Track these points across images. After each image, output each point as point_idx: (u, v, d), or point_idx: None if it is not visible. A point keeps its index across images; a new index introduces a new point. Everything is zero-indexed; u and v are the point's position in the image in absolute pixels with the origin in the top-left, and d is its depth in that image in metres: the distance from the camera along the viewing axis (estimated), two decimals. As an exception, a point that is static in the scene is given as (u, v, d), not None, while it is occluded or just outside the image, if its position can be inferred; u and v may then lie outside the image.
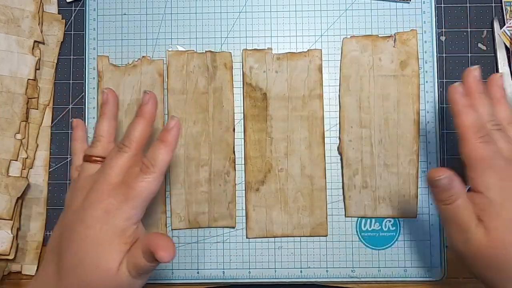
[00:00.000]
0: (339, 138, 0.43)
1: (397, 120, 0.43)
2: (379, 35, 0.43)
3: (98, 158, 0.35)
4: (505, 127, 0.33)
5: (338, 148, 0.43)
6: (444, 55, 0.44)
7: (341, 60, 0.44)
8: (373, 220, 0.43)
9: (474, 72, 0.34)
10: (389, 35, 0.43)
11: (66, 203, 0.35)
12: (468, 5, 0.45)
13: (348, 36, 0.44)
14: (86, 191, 0.33)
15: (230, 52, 0.44)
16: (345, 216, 0.43)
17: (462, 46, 0.44)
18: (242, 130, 0.44)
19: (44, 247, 0.44)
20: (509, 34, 0.44)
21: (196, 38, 0.45)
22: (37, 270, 0.43)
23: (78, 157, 0.37)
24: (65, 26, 0.45)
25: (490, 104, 0.34)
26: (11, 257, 0.42)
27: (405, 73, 0.43)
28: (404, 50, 0.43)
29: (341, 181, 0.43)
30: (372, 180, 0.43)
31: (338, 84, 0.44)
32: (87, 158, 0.35)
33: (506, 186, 0.31)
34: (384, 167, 0.43)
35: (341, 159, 0.43)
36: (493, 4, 0.45)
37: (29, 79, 0.44)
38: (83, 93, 0.45)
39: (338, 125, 0.44)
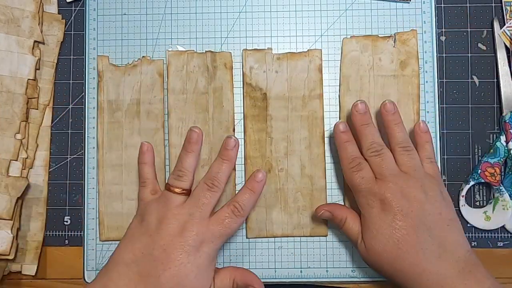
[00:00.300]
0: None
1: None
2: (379, 35, 0.43)
3: (184, 191, 0.38)
4: (393, 148, 0.39)
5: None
6: (444, 55, 0.44)
7: (341, 60, 0.44)
8: (373, 220, 0.43)
9: (357, 106, 0.39)
10: (389, 35, 0.43)
11: (146, 223, 0.37)
12: (468, 5, 0.45)
13: (348, 36, 0.44)
14: (180, 221, 0.37)
15: (230, 52, 0.44)
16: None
17: (462, 46, 0.44)
18: (242, 130, 0.44)
19: (45, 247, 0.44)
20: (509, 34, 0.44)
21: (196, 38, 0.45)
22: (37, 269, 0.43)
23: (151, 182, 0.41)
24: (65, 26, 0.45)
25: (375, 132, 0.39)
26: (11, 257, 0.42)
27: (405, 73, 0.43)
28: (404, 50, 0.43)
29: (341, 181, 0.43)
30: None
31: (338, 84, 0.44)
32: (173, 190, 0.38)
33: (371, 204, 0.37)
34: None
35: None
36: (493, 4, 0.45)
37: (29, 79, 0.44)
38: (83, 93, 0.45)
39: None
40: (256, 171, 0.40)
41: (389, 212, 0.36)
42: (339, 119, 0.43)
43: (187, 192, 0.38)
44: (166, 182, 0.39)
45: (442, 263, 0.34)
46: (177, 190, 0.38)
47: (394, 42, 0.43)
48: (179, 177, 0.39)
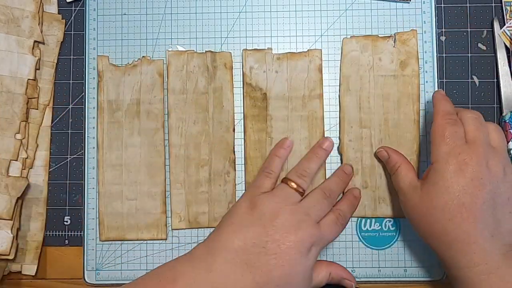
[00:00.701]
0: (339, 138, 0.43)
1: (397, 120, 0.43)
2: (379, 35, 0.43)
3: (301, 190, 0.39)
4: (488, 123, 0.38)
5: (338, 148, 0.43)
6: (444, 55, 0.44)
7: (341, 60, 0.43)
8: (373, 220, 0.43)
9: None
10: (389, 35, 0.43)
11: (259, 213, 0.37)
12: (468, 5, 0.45)
13: (348, 36, 0.44)
14: (295, 219, 0.36)
15: (230, 52, 0.44)
16: None
17: (462, 46, 0.44)
18: (242, 130, 0.44)
19: (45, 247, 0.44)
20: (509, 34, 0.44)
21: (196, 38, 0.45)
22: (37, 269, 0.43)
23: (276, 175, 0.41)
24: (65, 26, 0.45)
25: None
26: (11, 257, 0.42)
27: (405, 73, 0.43)
28: (404, 50, 0.43)
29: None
30: (372, 180, 0.43)
31: (338, 84, 0.44)
32: (293, 186, 0.39)
33: (452, 160, 0.35)
34: (384, 167, 0.42)
35: (341, 159, 0.43)
36: (493, 4, 0.45)
37: (29, 79, 0.44)
38: (83, 93, 0.45)
39: (338, 125, 0.44)
40: (347, 170, 0.42)
41: (467, 175, 0.35)
42: (339, 119, 0.43)
43: (303, 193, 0.39)
44: (285, 177, 0.40)
45: (494, 241, 0.34)
46: (298, 187, 0.38)
47: (394, 42, 0.43)
48: (302, 175, 0.39)
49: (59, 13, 0.45)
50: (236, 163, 0.43)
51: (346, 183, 0.42)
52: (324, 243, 0.38)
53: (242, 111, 0.44)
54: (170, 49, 0.44)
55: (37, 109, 0.44)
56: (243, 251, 0.35)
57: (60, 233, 0.44)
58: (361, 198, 0.42)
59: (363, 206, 0.43)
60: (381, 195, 0.43)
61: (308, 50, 0.44)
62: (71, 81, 0.45)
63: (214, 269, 0.35)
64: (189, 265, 0.36)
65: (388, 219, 0.43)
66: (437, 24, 0.44)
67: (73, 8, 0.46)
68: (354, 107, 0.43)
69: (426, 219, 0.36)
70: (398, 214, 0.43)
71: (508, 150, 0.42)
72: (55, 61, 0.45)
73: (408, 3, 0.44)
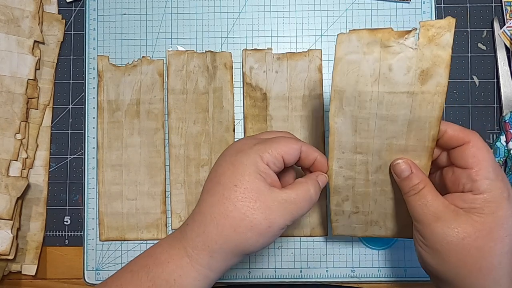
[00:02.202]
0: (327, 164, 0.35)
1: (405, 146, 0.33)
2: (392, 29, 0.30)
3: None
4: None
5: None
6: (444, 55, 0.44)
7: (334, 66, 0.31)
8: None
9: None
10: (409, 29, 0.30)
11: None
12: (468, 5, 0.45)
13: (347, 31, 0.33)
14: None
15: (230, 52, 0.44)
16: (332, 235, 0.40)
17: (462, 46, 0.44)
18: (242, 130, 0.44)
19: (45, 247, 0.44)
20: (509, 34, 0.44)
21: (196, 38, 0.45)
22: (37, 269, 0.43)
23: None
24: (65, 26, 0.45)
25: None
26: (11, 257, 0.42)
27: (426, 88, 0.30)
28: (430, 53, 0.29)
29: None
30: (365, 205, 0.36)
31: (329, 99, 0.32)
32: None
33: (503, 187, 0.31)
34: (381, 193, 0.35)
35: (327, 186, 0.36)
36: (493, 4, 0.45)
37: (29, 79, 0.44)
38: (83, 93, 0.45)
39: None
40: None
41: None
42: (328, 143, 0.34)
43: None
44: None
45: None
46: None
47: (417, 40, 0.30)
48: None
49: (59, 13, 0.45)
50: (236, 163, 0.43)
51: None
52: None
53: (242, 111, 0.44)
54: (170, 49, 0.44)
55: (37, 109, 0.44)
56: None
57: (60, 233, 0.44)
58: (351, 221, 0.37)
59: (352, 228, 0.37)
60: (375, 219, 0.36)
61: (308, 50, 0.44)
62: (71, 81, 0.45)
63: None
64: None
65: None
66: (437, 24, 0.44)
67: (73, 8, 0.46)
68: (347, 130, 0.33)
69: (476, 252, 0.30)
70: (392, 234, 0.37)
71: (508, 150, 0.42)
72: (55, 61, 0.45)
73: (408, 3, 0.44)
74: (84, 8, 0.45)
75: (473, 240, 0.30)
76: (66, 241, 0.44)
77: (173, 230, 0.43)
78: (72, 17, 0.46)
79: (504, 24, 0.44)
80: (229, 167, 0.32)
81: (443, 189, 0.33)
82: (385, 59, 0.30)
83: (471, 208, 0.31)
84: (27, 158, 0.44)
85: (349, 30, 0.30)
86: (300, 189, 0.33)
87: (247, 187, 0.31)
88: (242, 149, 0.33)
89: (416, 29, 0.29)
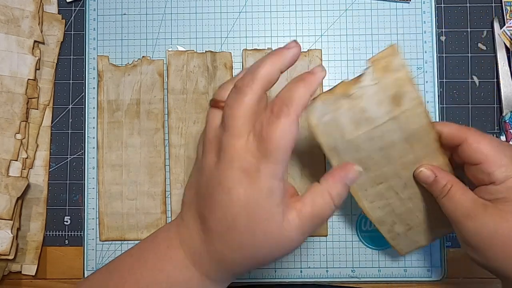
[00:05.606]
0: (358, 205, 0.36)
1: (416, 158, 0.34)
2: (344, 80, 0.32)
3: (222, 104, 0.29)
4: None
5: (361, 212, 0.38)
6: (444, 55, 0.44)
7: (316, 134, 0.32)
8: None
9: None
10: (359, 73, 0.31)
11: (197, 155, 0.31)
12: (468, 5, 0.45)
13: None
14: (215, 148, 0.28)
15: (230, 52, 0.44)
16: (400, 255, 0.40)
17: (462, 46, 0.44)
18: (242, 130, 0.44)
19: (45, 247, 0.44)
20: (509, 34, 0.44)
21: (196, 38, 0.45)
22: (37, 269, 0.43)
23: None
24: (65, 26, 0.45)
25: None
26: (11, 257, 0.42)
27: (404, 107, 0.31)
28: (391, 80, 0.30)
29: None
30: (413, 219, 0.37)
31: (327, 157, 0.34)
32: (214, 103, 0.30)
33: None
34: (421, 202, 0.36)
35: (370, 221, 0.38)
36: (493, 4, 0.45)
37: (29, 79, 0.44)
38: (83, 93, 0.45)
39: None
40: (318, 66, 0.30)
41: None
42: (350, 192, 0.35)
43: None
44: None
45: None
46: (218, 104, 0.31)
47: (371, 75, 0.30)
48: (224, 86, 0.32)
49: (59, 13, 0.45)
50: (236, 163, 0.43)
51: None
52: (275, 154, 0.27)
53: (242, 111, 0.44)
54: (170, 49, 0.44)
55: (37, 109, 0.44)
56: (191, 205, 0.31)
57: (60, 233, 0.44)
58: (411, 238, 0.37)
59: (415, 242, 0.38)
60: (430, 224, 0.37)
61: (308, 50, 0.44)
62: (71, 81, 0.45)
63: (179, 225, 0.31)
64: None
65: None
66: (437, 24, 0.44)
67: (73, 8, 0.46)
68: None
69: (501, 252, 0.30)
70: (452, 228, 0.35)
71: (508, 150, 0.42)
72: (55, 61, 0.45)
73: (408, 3, 0.44)
74: (84, 8, 0.45)
75: (507, 230, 0.30)
76: (66, 241, 0.44)
77: (173, 230, 0.43)
78: (72, 17, 0.46)
79: (504, 24, 0.44)
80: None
81: (472, 183, 0.33)
82: (355, 105, 0.31)
83: (497, 199, 0.31)
84: (27, 158, 0.44)
85: (313, 98, 0.31)
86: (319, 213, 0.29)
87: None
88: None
89: (368, 68, 0.30)
